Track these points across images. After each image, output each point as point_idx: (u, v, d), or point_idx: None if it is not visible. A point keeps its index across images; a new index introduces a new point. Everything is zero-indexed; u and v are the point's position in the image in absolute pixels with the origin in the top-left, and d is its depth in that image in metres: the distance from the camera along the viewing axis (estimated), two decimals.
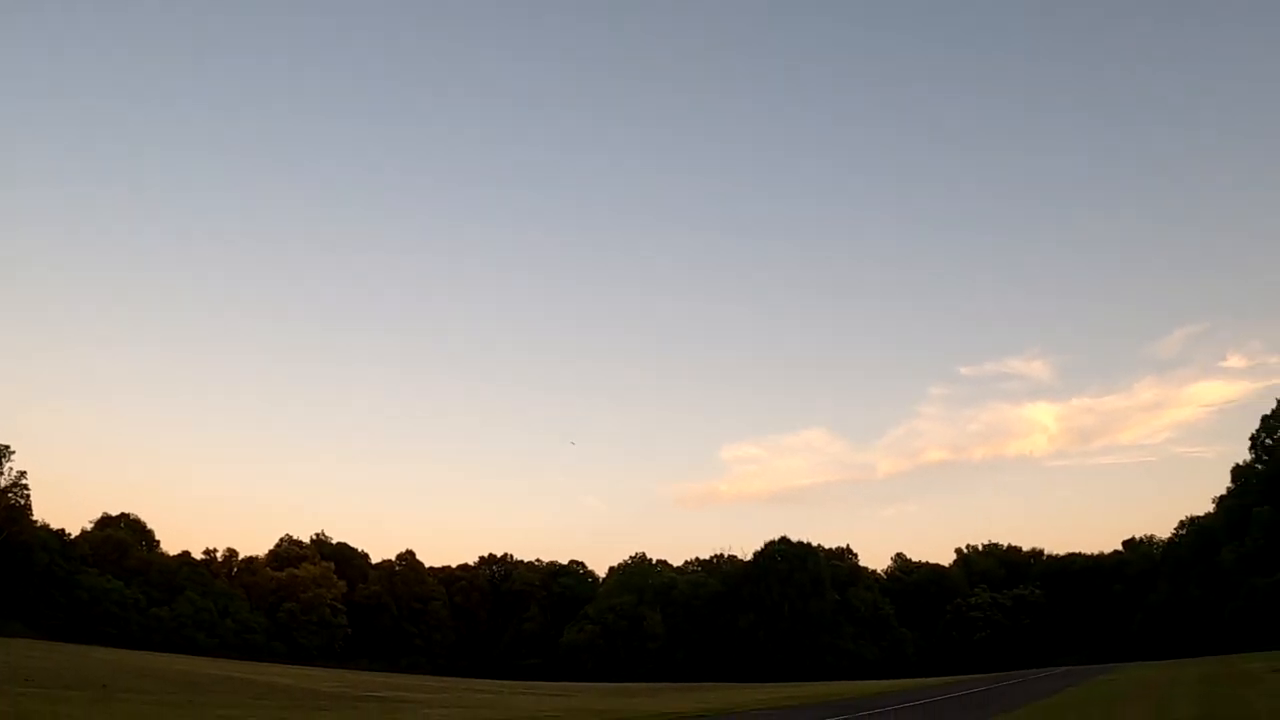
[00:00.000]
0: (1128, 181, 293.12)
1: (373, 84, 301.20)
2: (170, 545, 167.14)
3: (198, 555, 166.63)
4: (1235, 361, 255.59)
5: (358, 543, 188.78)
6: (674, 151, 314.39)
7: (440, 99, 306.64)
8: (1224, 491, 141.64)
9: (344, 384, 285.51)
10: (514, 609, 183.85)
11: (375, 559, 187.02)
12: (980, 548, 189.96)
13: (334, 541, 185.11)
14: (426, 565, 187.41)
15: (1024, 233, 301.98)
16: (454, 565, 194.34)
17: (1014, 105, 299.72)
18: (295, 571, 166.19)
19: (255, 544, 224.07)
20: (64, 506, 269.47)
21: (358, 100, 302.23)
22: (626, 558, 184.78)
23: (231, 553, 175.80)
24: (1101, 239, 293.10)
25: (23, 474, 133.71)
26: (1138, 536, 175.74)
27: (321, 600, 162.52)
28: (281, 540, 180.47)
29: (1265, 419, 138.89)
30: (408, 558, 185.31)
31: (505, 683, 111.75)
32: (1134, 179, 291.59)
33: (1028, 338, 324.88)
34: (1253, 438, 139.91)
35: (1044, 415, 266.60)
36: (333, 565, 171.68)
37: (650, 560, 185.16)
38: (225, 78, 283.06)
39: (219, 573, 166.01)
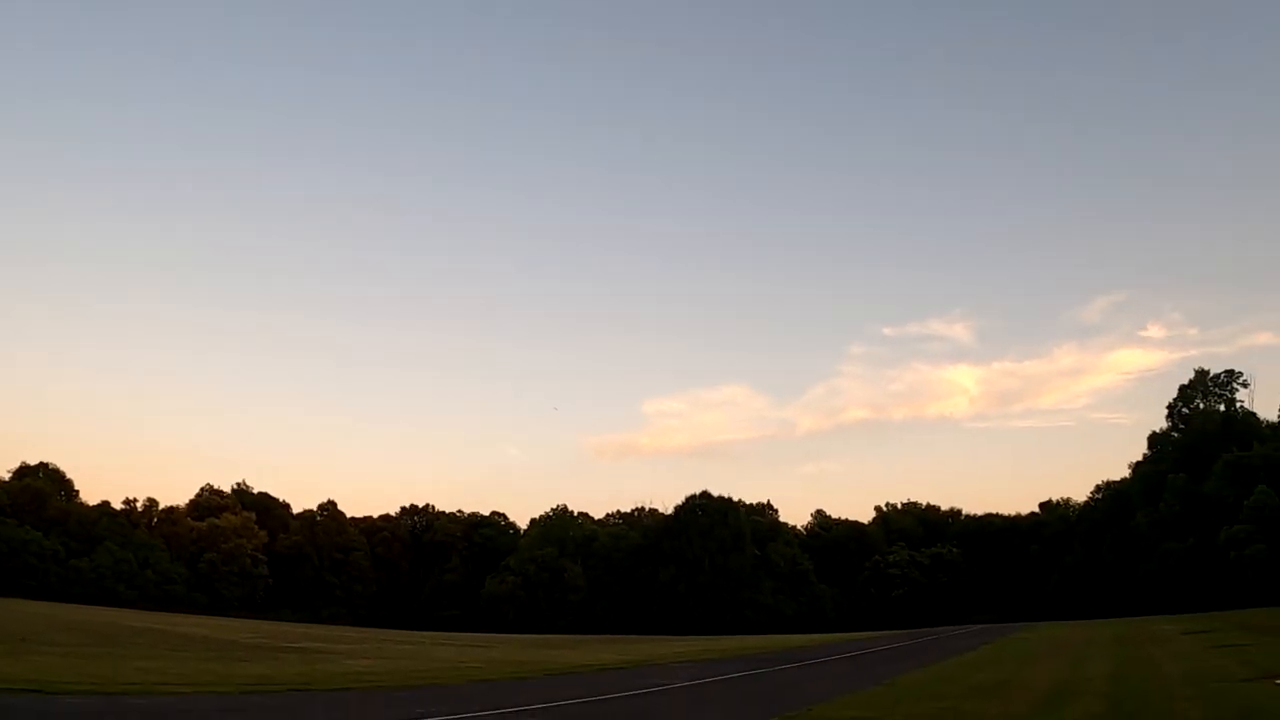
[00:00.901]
0: (1055, 147, 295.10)
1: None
2: (89, 495, 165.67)
3: (117, 505, 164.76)
4: (1155, 331, 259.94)
5: (279, 493, 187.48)
6: (598, 105, 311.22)
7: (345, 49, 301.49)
8: (1140, 458, 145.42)
9: (265, 333, 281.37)
10: (435, 560, 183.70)
11: (296, 509, 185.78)
12: (899, 506, 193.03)
13: (255, 491, 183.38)
14: (348, 515, 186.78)
15: (949, 195, 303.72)
16: (375, 516, 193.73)
17: (941, 64, 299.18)
18: (216, 522, 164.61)
19: (176, 494, 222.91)
20: None
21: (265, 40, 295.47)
22: (548, 509, 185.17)
23: (152, 503, 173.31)
24: (1027, 204, 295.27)
25: None
26: (1054, 499, 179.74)
27: (242, 551, 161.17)
28: (202, 490, 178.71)
29: (1183, 388, 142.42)
30: (329, 508, 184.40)
31: (426, 633, 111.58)
32: (1061, 145, 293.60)
33: (950, 300, 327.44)
34: (1170, 406, 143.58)
35: (965, 377, 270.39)
36: (254, 515, 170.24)
37: (571, 512, 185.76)
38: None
39: (139, 523, 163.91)
